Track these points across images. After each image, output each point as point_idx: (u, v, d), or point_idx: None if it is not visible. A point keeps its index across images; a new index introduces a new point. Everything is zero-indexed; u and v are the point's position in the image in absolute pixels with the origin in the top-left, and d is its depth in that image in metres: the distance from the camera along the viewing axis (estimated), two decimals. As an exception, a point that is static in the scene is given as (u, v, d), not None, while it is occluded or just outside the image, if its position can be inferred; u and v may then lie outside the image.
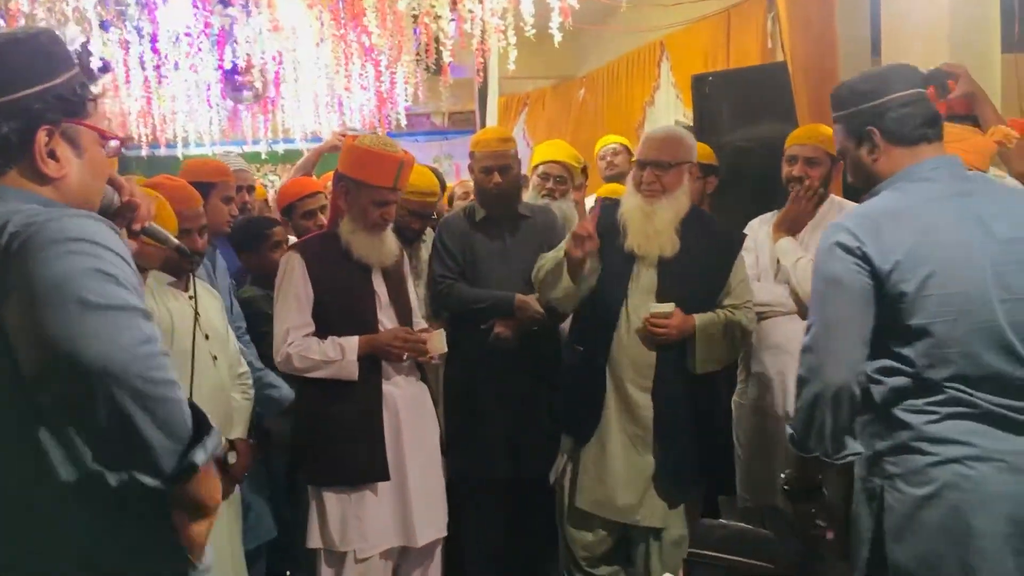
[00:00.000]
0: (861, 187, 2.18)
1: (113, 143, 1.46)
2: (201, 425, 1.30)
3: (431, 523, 3.08)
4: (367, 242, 3.00)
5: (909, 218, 1.99)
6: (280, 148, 7.80)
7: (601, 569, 3.21)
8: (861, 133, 2.10)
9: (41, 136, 1.34)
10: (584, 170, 4.41)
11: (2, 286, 1.23)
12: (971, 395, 1.94)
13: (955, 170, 2.08)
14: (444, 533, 3.15)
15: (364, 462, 2.95)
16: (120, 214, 1.53)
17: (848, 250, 1.98)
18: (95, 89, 1.45)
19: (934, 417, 1.96)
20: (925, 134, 2.08)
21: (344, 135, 4.66)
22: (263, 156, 8.02)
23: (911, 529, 1.97)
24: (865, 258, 1.97)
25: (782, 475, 2.23)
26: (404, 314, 3.12)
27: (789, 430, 2.10)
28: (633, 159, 3.71)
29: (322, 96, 6.64)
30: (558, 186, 4.07)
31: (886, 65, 2.20)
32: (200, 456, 1.28)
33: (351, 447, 2.94)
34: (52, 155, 1.36)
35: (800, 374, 2.03)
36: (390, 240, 3.09)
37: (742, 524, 2.53)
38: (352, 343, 2.96)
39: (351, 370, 2.94)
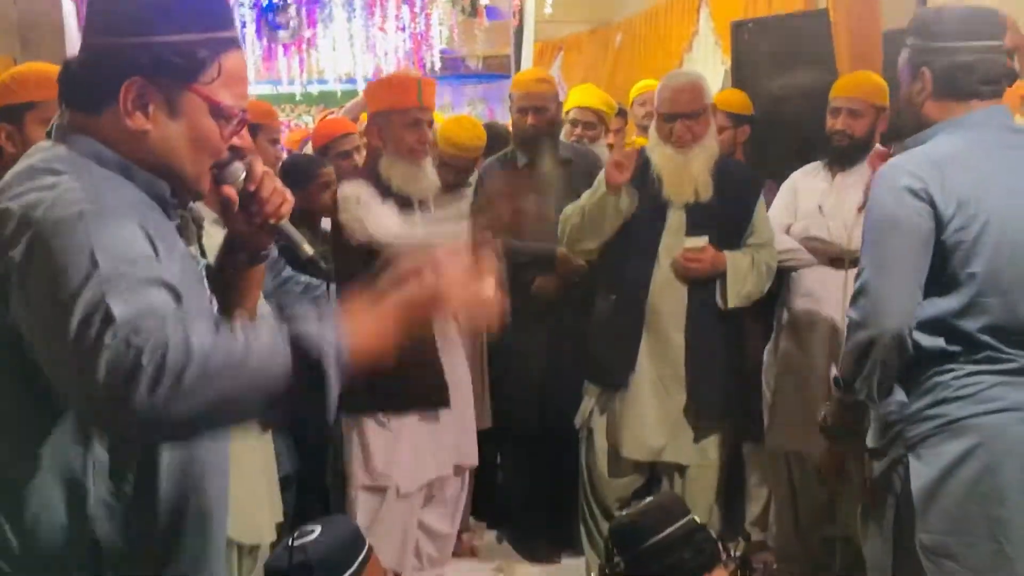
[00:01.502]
0: (906, 123, 2.12)
1: (232, 120, 1.33)
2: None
3: (463, 451, 3.17)
4: (406, 171, 3.01)
5: (966, 164, 1.96)
6: (315, 89, 7.79)
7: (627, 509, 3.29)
8: (915, 71, 2.04)
9: (128, 87, 1.27)
10: (623, 114, 4.40)
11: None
12: (1003, 350, 1.95)
13: (1004, 120, 2.04)
14: (475, 462, 3.24)
15: (426, 390, 3.01)
16: (244, 200, 1.44)
17: (913, 192, 1.94)
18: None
19: (962, 372, 1.96)
20: (978, 91, 2.00)
21: None
22: (297, 97, 8.02)
23: (942, 491, 1.96)
24: (931, 202, 1.93)
25: (822, 411, 2.22)
26: None
27: (834, 372, 2.10)
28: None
29: (357, 37, 6.62)
30: (587, 131, 4.10)
31: (973, 7, 2.08)
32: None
33: (412, 374, 2.96)
34: (143, 110, 1.28)
35: (853, 318, 2.00)
36: (429, 171, 3.10)
37: (647, 500, 2.47)
38: None
39: None
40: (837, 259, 3.19)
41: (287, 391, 1.11)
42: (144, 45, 1.27)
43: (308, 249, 1.53)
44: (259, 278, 1.56)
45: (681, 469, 3.18)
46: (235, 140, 1.39)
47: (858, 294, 2.00)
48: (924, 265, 1.95)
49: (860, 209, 2.93)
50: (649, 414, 3.13)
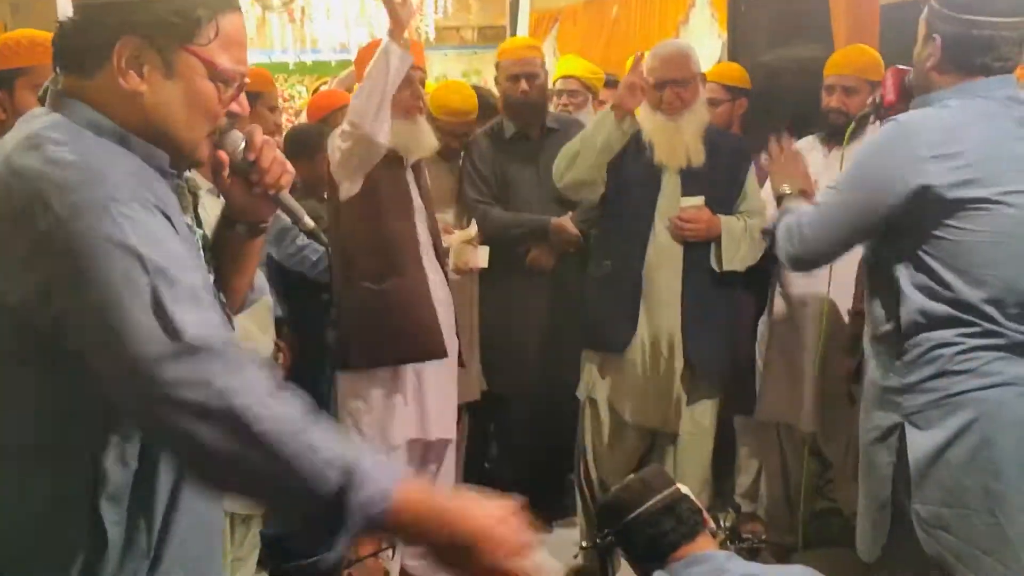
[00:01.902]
0: (916, 85, 2.11)
1: (230, 83, 1.30)
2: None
3: (442, 423, 3.18)
4: (402, 128, 2.96)
5: (971, 133, 1.96)
6: (308, 59, 7.73)
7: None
8: (928, 35, 2.02)
9: (123, 46, 1.23)
10: (616, 85, 4.37)
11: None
12: (1001, 324, 1.95)
13: (1011, 91, 2.02)
14: (452, 437, 3.25)
15: (423, 340, 3.02)
16: (243, 170, 1.41)
17: (904, 152, 1.94)
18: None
19: (963, 347, 1.96)
20: (987, 66, 1.97)
21: None
22: (291, 67, 7.97)
23: (939, 463, 1.98)
24: (923, 179, 1.93)
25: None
26: (432, 217, 3.17)
27: (770, 226, 2.34)
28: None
29: (351, 7, 6.56)
30: (571, 100, 4.10)
31: None
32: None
33: (410, 325, 3.00)
34: (138, 71, 1.25)
35: (791, 226, 2.17)
36: (425, 129, 3.08)
37: (631, 476, 2.50)
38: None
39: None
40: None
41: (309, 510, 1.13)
42: (140, 3, 1.24)
43: (308, 221, 1.50)
44: (257, 250, 1.54)
45: (673, 438, 3.19)
46: (233, 107, 1.36)
47: (801, 227, 2.14)
48: (869, 227, 2.05)
49: None
50: (647, 380, 3.15)
